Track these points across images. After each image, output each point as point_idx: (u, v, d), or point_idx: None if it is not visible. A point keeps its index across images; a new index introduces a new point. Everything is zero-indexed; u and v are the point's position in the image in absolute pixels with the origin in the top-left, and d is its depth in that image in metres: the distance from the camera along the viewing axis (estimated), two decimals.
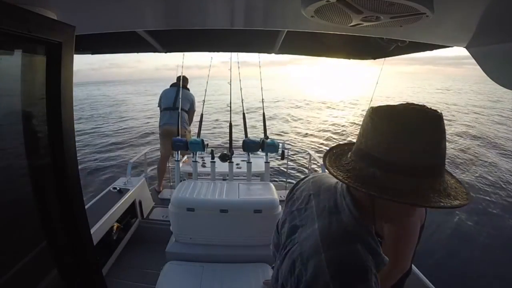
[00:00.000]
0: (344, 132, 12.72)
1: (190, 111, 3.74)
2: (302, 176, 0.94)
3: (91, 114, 18.42)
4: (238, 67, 3.04)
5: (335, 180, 0.71)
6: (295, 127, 14.30)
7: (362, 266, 0.56)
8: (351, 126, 14.14)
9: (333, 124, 14.69)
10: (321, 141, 11.25)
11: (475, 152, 9.26)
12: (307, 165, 3.77)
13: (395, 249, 1.08)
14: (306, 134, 12.56)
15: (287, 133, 12.77)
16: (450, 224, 4.75)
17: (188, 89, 3.77)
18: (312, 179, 0.81)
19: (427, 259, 3.43)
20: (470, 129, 13.17)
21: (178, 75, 3.63)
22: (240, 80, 3.12)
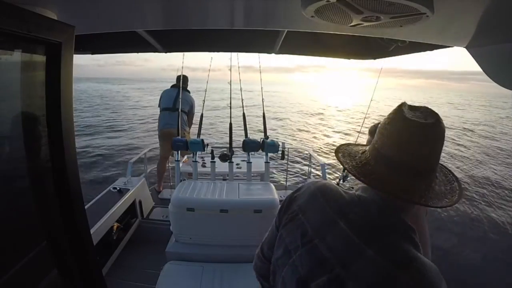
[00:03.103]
0: (344, 132, 12.72)
1: (190, 114, 3.73)
2: (296, 182, 0.80)
3: (91, 113, 18.43)
4: (238, 67, 3.04)
5: (342, 191, 0.66)
6: (296, 127, 14.30)
7: (434, 266, 0.55)
8: (350, 125, 14.14)
9: (333, 125, 14.69)
10: (321, 141, 11.25)
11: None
12: (307, 165, 3.77)
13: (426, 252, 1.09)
14: (306, 134, 12.56)
15: (287, 133, 12.77)
16: (451, 224, 4.75)
17: (189, 91, 3.76)
18: (318, 193, 0.68)
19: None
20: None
21: (179, 74, 3.63)
22: (240, 80, 3.12)
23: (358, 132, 2.70)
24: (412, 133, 0.56)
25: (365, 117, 2.89)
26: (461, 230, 4.66)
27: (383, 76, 2.58)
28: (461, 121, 19.15)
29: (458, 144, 11.96)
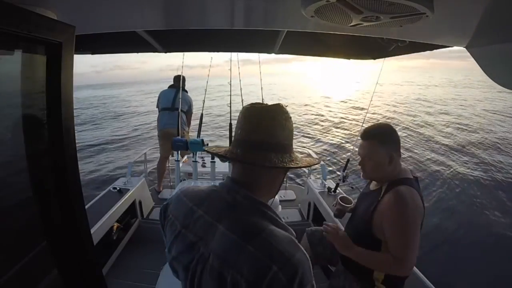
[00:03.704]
0: (343, 131, 12.71)
1: (188, 114, 3.73)
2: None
3: (91, 114, 18.44)
4: (238, 67, 3.04)
5: (203, 187, 0.78)
6: (296, 123, 14.23)
7: (288, 237, 0.61)
8: (351, 124, 14.11)
9: (333, 123, 14.66)
10: (322, 139, 11.24)
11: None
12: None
13: None
14: (306, 132, 12.55)
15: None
16: (450, 223, 4.76)
17: (186, 91, 3.76)
18: (182, 195, 0.78)
19: (427, 259, 3.43)
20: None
21: (178, 74, 3.63)
22: (240, 80, 3.12)
23: (361, 125, 2.64)
24: (245, 115, 0.70)
25: (367, 111, 2.84)
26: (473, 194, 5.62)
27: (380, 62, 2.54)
28: (461, 99, 19.78)
29: (463, 117, 13.21)
